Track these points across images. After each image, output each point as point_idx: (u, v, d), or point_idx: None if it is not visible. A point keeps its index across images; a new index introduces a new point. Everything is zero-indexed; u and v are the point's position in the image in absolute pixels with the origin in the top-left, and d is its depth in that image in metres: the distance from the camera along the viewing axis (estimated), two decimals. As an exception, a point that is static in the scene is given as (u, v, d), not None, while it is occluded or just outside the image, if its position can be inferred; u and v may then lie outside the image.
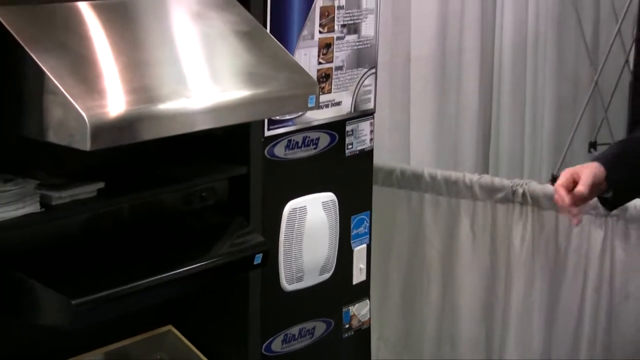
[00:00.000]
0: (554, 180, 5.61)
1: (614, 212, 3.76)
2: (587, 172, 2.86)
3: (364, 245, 3.63)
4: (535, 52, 5.87)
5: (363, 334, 3.69)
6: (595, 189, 2.90)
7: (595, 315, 3.88)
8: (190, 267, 2.85)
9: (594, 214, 3.84)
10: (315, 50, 3.33)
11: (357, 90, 3.50)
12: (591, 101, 5.99)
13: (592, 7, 6.22)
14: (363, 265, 3.64)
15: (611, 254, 3.83)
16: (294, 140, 3.32)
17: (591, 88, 5.88)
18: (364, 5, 3.46)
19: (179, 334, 3.24)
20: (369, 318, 3.71)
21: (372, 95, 3.57)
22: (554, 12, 5.94)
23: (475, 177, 4.14)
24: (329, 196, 3.45)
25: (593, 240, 3.87)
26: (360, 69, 3.50)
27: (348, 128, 3.51)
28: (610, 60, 6.00)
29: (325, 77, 3.37)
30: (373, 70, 3.56)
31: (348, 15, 3.41)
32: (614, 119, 5.71)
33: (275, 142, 3.26)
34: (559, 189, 2.80)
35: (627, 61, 5.72)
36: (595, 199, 3.00)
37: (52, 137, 2.41)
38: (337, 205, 3.48)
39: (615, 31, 5.89)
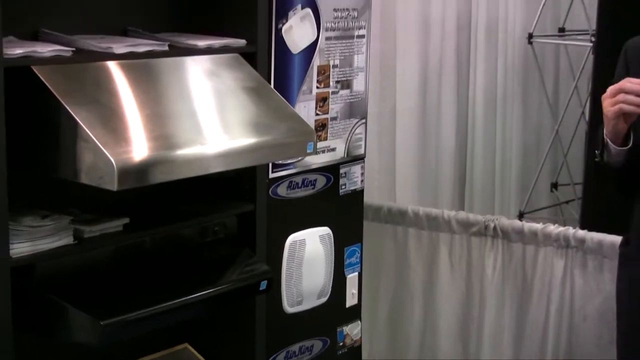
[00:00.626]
0: (520, 216, 5.63)
1: (573, 243, 3.78)
2: None
3: (356, 273, 3.63)
4: (504, 104, 5.87)
5: (355, 351, 3.68)
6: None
7: (557, 334, 3.86)
8: (204, 292, 2.85)
9: (556, 246, 3.84)
10: (313, 103, 3.34)
11: (349, 138, 3.51)
12: (552, 147, 5.98)
13: (552, 66, 6.23)
14: (355, 291, 3.63)
15: (571, 281, 3.82)
16: (294, 182, 3.33)
17: (552, 136, 5.87)
18: (355, 64, 3.47)
19: (194, 351, 3.24)
20: (360, 337, 3.70)
21: (362, 142, 3.57)
22: (519, 70, 5.95)
23: (452, 213, 4.13)
24: (325, 230, 3.45)
25: (555, 269, 3.86)
26: (352, 119, 3.51)
27: (342, 171, 3.51)
28: (569, 111, 6.00)
29: (321, 126, 3.38)
30: (363, 121, 3.56)
31: (341, 72, 3.42)
32: (572, 162, 5.70)
33: (278, 183, 3.26)
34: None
35: (583, 112, 5.72)
36: None
37: (84, 179, 2.43)
38: (332, 238, 3.48)
39: (573, 87, 5.90)
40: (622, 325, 3.05)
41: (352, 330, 3.64)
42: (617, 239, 3.65)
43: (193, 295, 2.81)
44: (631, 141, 2.83)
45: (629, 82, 2.82)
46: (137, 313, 2.63)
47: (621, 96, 2.78)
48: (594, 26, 5.10)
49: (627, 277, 3.00)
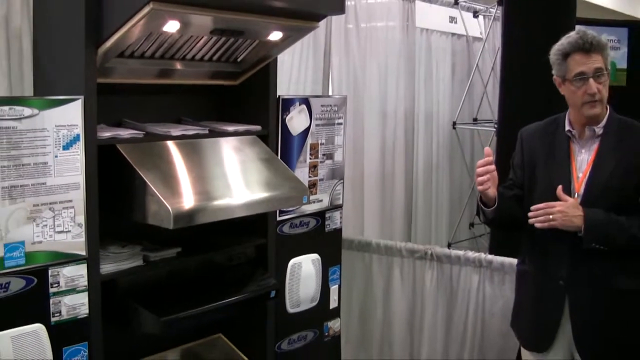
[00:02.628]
0: (449, 245, 5.62)
1: (484, 264, 3.77)
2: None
3: (337, 286, 3.60)
4: (437, 170, 5.90)
5: (336, 339, 3.65)
6: None
7: (474, 327, 3.84)
8: (233, 298, 2.84)
9: (473, 266, 3.83)
10: (307, 169, 3.33)
11: (332, 193, 3.50)
12: (469, 199, 6.01)
13: (469, 144, 6.27)
14: (336, 297, 3.60)
15: (483, 290, 3.80)
16: (294, 223, 3.31)
17: (470, 191, 5.90)
18: (336, 142, 3.47)
19: (226, 339, 3.21)
20: (340, 329, 3.67)
21: (341, 195, 3.56)
22: (447, 147, 5.99)
23: (402, 244, 4.11)
24: (315, 256, 3.43)
25: (472, 282, 3.85)
26: (334, 180, 3.50)
27: (327, 215, 3.49)
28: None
29: (313, 185, 3.38)
30: (341, 181, 3.56)
31: (327, 148, 3.42)
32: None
33: (283, 223, 3.25)
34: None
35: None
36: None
37: (150, 220, 2.43)
38: (320, 262, 3.45)
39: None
40: (515, 306, 3.06)
41: (334, 325, 3.61)
42: (514, 260, 3.64)
43: (225, 301, 2.80)
44: (497, 202, 2.83)
45: (477, 167, 2.82)
46: (187, 312, 2.63)
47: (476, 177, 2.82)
48: (496, 117, 5.14)
49: (524, 281, 2.98)
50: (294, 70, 4.32)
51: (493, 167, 2.82)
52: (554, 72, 2.79)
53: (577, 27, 2.88)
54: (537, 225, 2.70)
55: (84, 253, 2.37)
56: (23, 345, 2.24)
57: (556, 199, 2.70)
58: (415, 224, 5.65)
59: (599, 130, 2.73)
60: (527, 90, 4.45)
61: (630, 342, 2.70)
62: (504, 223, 2.98)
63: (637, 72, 5.61)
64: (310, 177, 3.35)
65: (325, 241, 3.50)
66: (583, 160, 2.74)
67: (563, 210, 2.64)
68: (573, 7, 4.58)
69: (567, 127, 2.78)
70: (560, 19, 4.43)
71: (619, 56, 5.69)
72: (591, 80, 2.66)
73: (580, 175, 2.73)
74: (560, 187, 2.68)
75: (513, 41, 4.58)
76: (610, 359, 2.73)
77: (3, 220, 2.19)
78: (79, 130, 2.32)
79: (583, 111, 2.71)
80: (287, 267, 3.28)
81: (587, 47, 2.66)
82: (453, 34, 5.96)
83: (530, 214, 2.72)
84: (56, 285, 2.32)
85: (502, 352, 3.74)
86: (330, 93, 4.58)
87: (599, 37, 2.70)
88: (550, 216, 2.65)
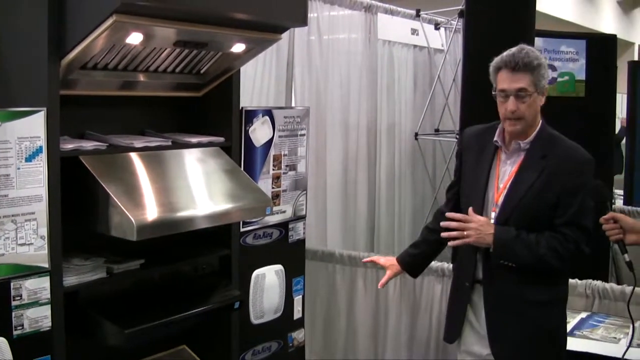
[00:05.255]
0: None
1: (447, 273, 3.81)
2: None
3: (300, 296, 3.63)
4: (400, 180, 5.93)
5: (300, 349, 3.67)
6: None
7: (437, 334, 3.87)
8: (197, 310, 2.85)
9: (436, 275, 3.88)
10: (270, 180, 3.36)
11: (295, 204, 3.53)
12: (432, 208, 6.05)
13: (431, 154, 6.32)
14: (300, 308, 3.62)
15: (446, 298, 3.77)
16: (257, 234, 3.33)
17: (432, 200, 5.95)
18: (299, 154, 3.50)
19: (190, 351, 3.21)
20: (304, 340, 3.69)
21: (304, 206, 3.59)
22: (409, 157, 6.02)
23: (365, 254, 4.14)
24: (279, 267, 3.46)
25: (435, 290, 3.89)
26: (297, 191, 3.53)
27: (290, 226, 3.52)
28: (443, 184, 6.07)
29: (276, 196, 3.40)
30: (304, 192, 3.59)
31: (290, 160, 3.46)
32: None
33: (247, 234, 3.27)
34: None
35: (453, 185, 5.80)
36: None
37: (114, 232, 2.45)
38: (284, 272, 3.48)
39: (445, 168, 6.00)
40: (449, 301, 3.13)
41: (298, 335, 3.63)
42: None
43: (189, 312, 2.81)
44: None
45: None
46: (151, 324, 2.64)
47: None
48: (457, 128, 5.20)
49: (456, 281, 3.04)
50: (257, 82, 4.34)
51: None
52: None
53: (536, 42, 2.89)
54: (451, 244, 2.79)
55: (46, 265, 2.38)
56: (-15, 358, 2.24)
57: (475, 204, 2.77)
58: (378, 234, 5.67)
59: (524, 145, 2.78)
60: (487, 102, 4.49)
61: (536, 346, 2.77)
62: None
63: (595, 83, 5.70)
64: (273, 188, 3.37)
65: (289, 252, 3.52)
66: (506, 171, 2.79)
67: (477, 228, 2.70)
68: (532, 19, 4.67)
69: (495, 137, 2.84)
70: (520, 31, 4.51)
71: (577, 68, 5.79)
72: (511, 98, 2.71)
73: (501, 186, 2.78)
74: (471, 208, 2.74)
75: (474, 53, 4.65)
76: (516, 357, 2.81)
77: (-35, 233, 2.19)
78: (42, 142, 2.33)
79: (505, 126, 2.78)
80: (251, 278, 3.30)
81: (513, 66, 2.71)
82: (415, 46, 6.03)
83: (443, 224, 2.78)
84: (18, 298, 2.32)
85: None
86: (293, 104, 4.61)
87: (533, 57, 2.71)
88: (465, 232, 2.72)
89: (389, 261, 3.15)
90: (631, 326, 2.67)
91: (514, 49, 2.76)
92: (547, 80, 2.77)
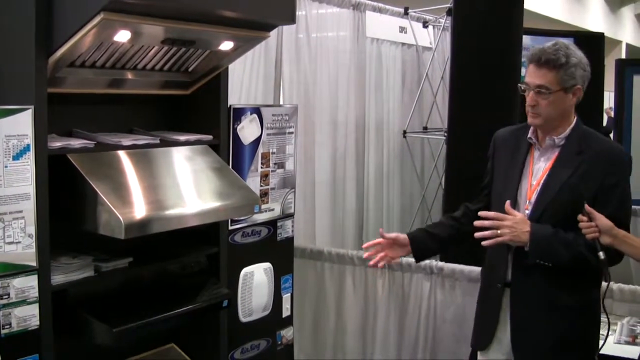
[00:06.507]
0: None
1: (435, 271, 3.82)
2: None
3: (289, 294, 3.62)
4: (388, 178, 5.95)
5: (289, 347, 3.67)
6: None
7: (426, 332, 3.89)
8: (185, 308, 2.85)
9: (424, 273, 3.88)
10: (258, 178, 3.36)
11: (283, 202, 3.53)
12: (420, 206, 6.09)
13: (419, 152, 6.35)
14: (288, 306, 3.62)
15: (434, 296, 3.85)
16: (246, 232, 3.34)
17: (420, 199, 5.98)
18: (287, 152, 3.50)
19: (179, 349, 3.21)
20: (293, 337, 3.69)
21: (292, 204, 3.59)
22: (398, 155, 6.04)
23: (354, 252, 4.15)
24: (267, 265, 3.45)
25: (424, 288, 3.89)
26: (286, 189, 3.53)
27: (278, 224, 3.52)
28: (431, 183, 6.12)
29: (264, 194, 3.40)
30: (293, 190, 3.59)
31: (278, 157, 3.45)
32: (435, 216, 5.78)
33: (235, 232, 3.27)
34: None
35: (440, 183, 5.82)
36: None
37: (102, 231, 2.44)
38: (272, 270, 3.48)
39: (433, 166, 6.03)
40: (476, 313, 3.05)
41: (286, 333, 3.63)
42: (465, 267, 3.75)
43: (177, 310, 2.81)
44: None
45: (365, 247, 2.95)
46: (139, 323, 2.63)
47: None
48: (446, 126, 5.22)
49: (486, 283, 2.99)
50: (245, 80, 4.35)
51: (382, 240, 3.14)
52: None
53: (563, 39, 2.84)
54: (485, 243, 2.69)
55: (34, 264, 2.37)
56: (-28, 358, 2.23)
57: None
58: (367, 232, 5.68)
59: (559, 140, 2.75)
60: (475, 99, 4.54)
61: (561, 354, 2.73)
62: (460, 241, 3.04)
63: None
64: (261, 186, 3.37)
65: (277, 250, 3.52)
66: (540, 168, 2.76)
67: (512, 226, 2.64)
68: (520, 17, 4.69)
69: (529, 134, 2.81)
70: (508, 29, 4.54)
71: (564, 65, 5.81)
72: (531, 92, 2.70)
73: (535, 183, 2.74)
74: (508, 202, 2.69)
75: (462, 51, 4.67)
76: None
77: (-48, 232, 2.18)
78: (30, 140, 2.33)
79: (527, 116, 2.78)
80: (239, 276, 3.30)
81: (537, 60, 2.68)
82: (403, 44, 6.05)
83: (476, 223, 2.70)
84: (6, 296, 2.31)
85: (454, 357, 3.79)
86: (281, 102, 4.61)
87: (562, 55, 2.65)
88: (499, 231, 2.66)
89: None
90: (607, 322, 2.70)
91: (548, 43, 2.71)
92: (583, 79, 2.71)
